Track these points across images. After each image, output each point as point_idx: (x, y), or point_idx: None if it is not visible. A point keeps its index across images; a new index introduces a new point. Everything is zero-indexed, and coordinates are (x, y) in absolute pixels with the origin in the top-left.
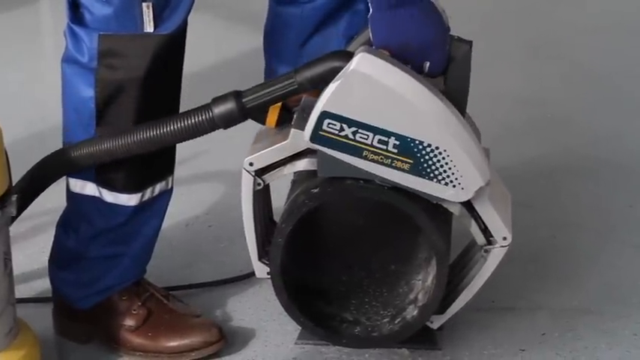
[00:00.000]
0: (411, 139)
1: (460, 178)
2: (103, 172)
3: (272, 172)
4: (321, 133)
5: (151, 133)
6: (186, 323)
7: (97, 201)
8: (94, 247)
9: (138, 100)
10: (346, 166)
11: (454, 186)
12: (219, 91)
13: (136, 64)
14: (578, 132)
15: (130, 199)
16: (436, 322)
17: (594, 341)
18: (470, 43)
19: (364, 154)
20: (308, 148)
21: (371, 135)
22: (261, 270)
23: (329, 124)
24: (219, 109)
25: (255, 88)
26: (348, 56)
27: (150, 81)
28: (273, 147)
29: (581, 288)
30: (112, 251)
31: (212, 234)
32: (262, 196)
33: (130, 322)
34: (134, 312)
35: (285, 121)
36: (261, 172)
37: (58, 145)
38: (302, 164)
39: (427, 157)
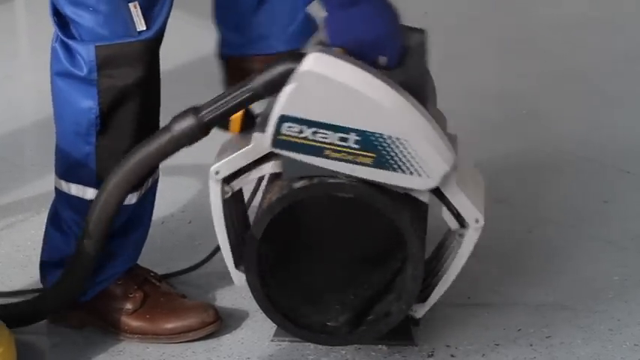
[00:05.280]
0: (370, 132)
1: (425, 165)
2: (104, 177)
3: (239, 178)
4: (281, 137)
5: (126, 171)
6: (183, 305)
7: None
8: None
9: (140, 104)
10: (311, 166)
11: (420, 174)
12: (193, 90)
13: (134, 69)
14: (553, 127)
15: (131, 198)
16: (419, 311)
17: (570, 337)
18: (422, 31)
19: (326, 153)
20: (272, 151)
21: (331, 133)
22: (238, 278)
23: (288, 127)
24: (179, 127)
25: (211, 101)
26: (301, 57)
27: (148, 83)
28: (237, 153)
29: (556, 283)
30: (111, 247)
31: (187, 231)
32: (235, 202)
33: (127, 305)
34: (131, 296)
35: (249, 126)
36: (229, 179)
37: (32, 144)
38: (268, 167)
39: (389, 149)
